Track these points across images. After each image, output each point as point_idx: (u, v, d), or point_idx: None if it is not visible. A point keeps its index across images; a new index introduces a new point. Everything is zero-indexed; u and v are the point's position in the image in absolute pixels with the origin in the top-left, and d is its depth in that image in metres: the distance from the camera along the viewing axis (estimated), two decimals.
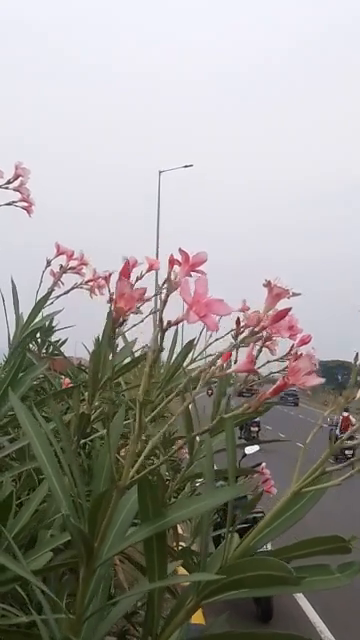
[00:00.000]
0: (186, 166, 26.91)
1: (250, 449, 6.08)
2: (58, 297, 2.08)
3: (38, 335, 2.75)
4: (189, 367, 1.90)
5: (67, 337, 2.79)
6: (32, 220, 1.98)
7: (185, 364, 1.96)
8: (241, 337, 0.98)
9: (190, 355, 1.93)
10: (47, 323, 2.68)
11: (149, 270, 1.74)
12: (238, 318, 0.98)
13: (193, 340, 1.97)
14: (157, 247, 25.14)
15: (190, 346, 2.01)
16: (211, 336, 1.18)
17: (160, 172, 26.78)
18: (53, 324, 2.77)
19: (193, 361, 1.87)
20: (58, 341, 2.87)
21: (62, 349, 2.76)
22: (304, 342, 1.08)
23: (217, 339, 1.02)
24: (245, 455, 6.08)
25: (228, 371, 1.05)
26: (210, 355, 1.25)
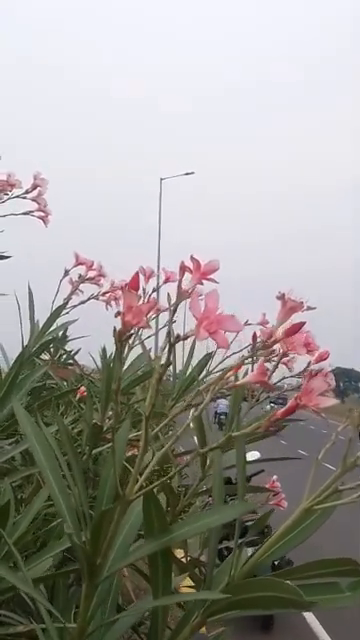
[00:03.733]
0: (187, 173, 26.91)
1: (251, 455, 6.02)
2: (75, 307, 2.07)
3: (51, 344, 2.74)
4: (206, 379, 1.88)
5: (80, 347, 2.77)
6: (49, 234, 1.98)
7: (201, 377, 1.94)
8: (254, 351, 0.95)
9: (207, 368, 1.91)
10: (60, 333, 2.67)
11: (165, 282, 1.72)
12: (255, 332, 0.96)
13: (211, 353, 1.95)
14: (158, 255, 25.15)
15: (207, 359, 1.98)
16: (228, 349, 1.16)
17: (161, 179, 26.83)
18: (67, 334, 2.76)
19: (209, 373, 1.85)
20: (71, 351, 2.85)
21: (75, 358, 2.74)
22: (322, 358, 1.06)
23: (234, 352, 1.00)
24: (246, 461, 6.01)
25: (239, 383, 1.03)
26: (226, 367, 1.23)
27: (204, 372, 1.92)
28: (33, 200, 1.91)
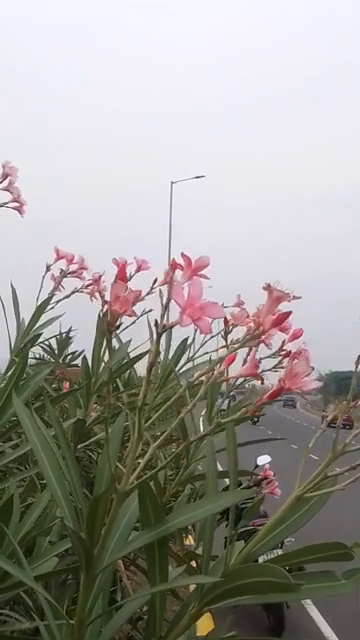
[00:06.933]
0: (198, 177, 26.94)
1: (262, 460, 6.03)
2: (58, 302, 2.08)
3: (55, 346, 2.77)
4: (185, 367, 1.89)
5: (83, 349, 2.80)
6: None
7: (181, 364, 1.95)
8: (242, 341, 0.97)
9: (186, 355, 1.93)
10: (64, 335, 2.69)
11: (137, 271, 1.74)
12: (225, 318, 0.98)
13: (187, 339, 1.97)
14: (169, 258, 25.08)
15: (185, 345, 1.99)
16: (206, 335, 1.17)
17: (172, 183, 26.88)
18: (70, 336, 2.78)
19: (189, 360, 1.87)
20: (75, 352, 2.88)
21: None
22: (296, 336, 1.06)
23: (212, 336, 1.02)
24: (257, 466, 6.01)
25: (231, 376, 1.05)
26: (206, 353, 1.23)
27: (183, 360, 1.94)
28: (5, 190, 1.82)
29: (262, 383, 1.08)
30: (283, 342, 1.07)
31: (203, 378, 1.03)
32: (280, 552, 3.49)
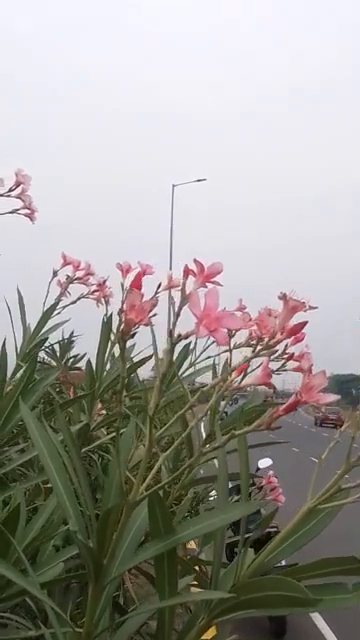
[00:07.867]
0: (199, 180, 26.87)
1: (263, 463, 6.03)
2: (65, 307, 2.08)
3: (58, 349, 2.76)
4: (187, 372, 1.87)
5: (86, 352, 2.79)
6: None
7: (184, 368, 1.93)
8: (256, 351, 0.96)
9: (189, 359, 1.91)
10: (66, 339, 2.69)
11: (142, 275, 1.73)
12: None
13: (189, 344, 1.95)
14: (170, 260, 25.05)
15: (187, 351, 1.98)
16: (208, 339, 1.15)
17: (173, 186, 26.80)
18: (72, 339, 2.77)
19: (192, 365, 1.85)
20: (77, 355, 2.87)
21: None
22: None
23: (214, 341, 1.00)
24: (258, 469, 6.01)
25: (243, 384, 1.03)
26: (209, 357, 1.19)
27: (186, 365, 1.92)
28: (18, 197, 1.85)
29: (274, 391, 1.07)
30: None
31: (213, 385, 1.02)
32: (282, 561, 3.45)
